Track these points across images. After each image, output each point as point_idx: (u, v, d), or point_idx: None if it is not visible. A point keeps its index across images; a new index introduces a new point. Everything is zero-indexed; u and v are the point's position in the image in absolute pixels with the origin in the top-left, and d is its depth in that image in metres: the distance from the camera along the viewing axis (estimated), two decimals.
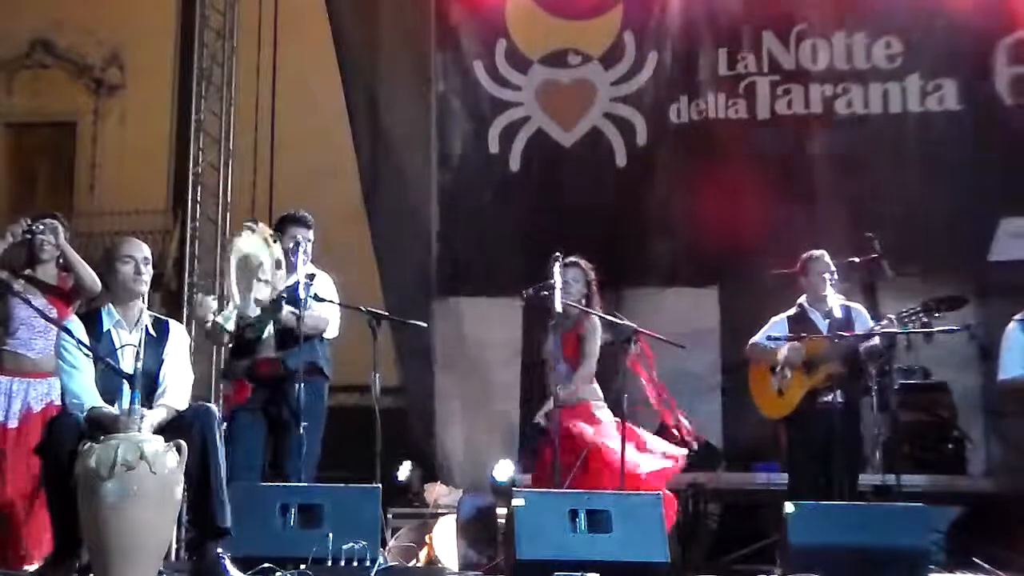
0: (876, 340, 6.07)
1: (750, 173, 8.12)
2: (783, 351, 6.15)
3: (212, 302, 5.72)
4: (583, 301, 5.96)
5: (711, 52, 8.37)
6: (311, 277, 5.61)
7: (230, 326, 5.60)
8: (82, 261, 5.53)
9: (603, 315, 6.05)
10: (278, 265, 5.43)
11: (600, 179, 8.41)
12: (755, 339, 6.36)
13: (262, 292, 5.42)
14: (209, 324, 5.63)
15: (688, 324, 7.72)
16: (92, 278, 5.40)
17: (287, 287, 5.56)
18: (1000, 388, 6.22)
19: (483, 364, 8.16)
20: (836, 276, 6.25)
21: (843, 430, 5.87)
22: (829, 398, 5.98)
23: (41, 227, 5.48)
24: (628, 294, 8.06)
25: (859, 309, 6.32)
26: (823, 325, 6.17)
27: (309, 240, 5.73)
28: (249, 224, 5.61)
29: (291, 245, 5.59)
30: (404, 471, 7.28)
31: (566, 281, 5.82)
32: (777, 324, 6.31)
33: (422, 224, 8.52)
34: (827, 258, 6.28)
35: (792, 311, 6.32)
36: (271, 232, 5.56)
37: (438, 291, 8.41)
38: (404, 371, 8.27)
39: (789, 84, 8.28)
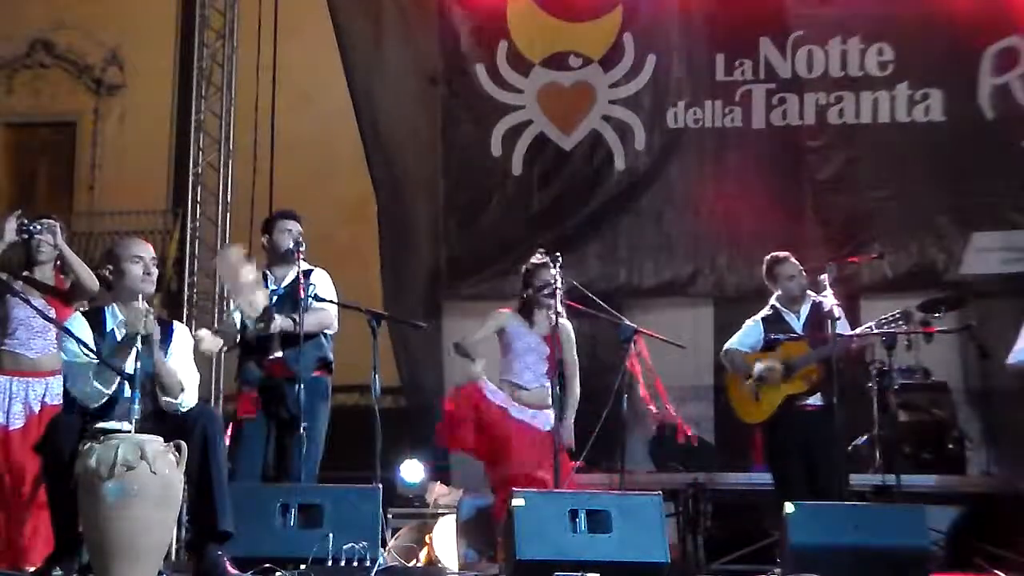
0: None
1: (746, 181, 8.14)
2: (758, 368, 6.01)
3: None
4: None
5: (709, 56, 8.36)
6: (308, 274, 5.61)
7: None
8: (80, 261, 5.51)
9: (604, 315, 6.06)
10: (255, 287, 5.41)
11: (600, 183, 8.41)
12: (730, 344, 6.22)
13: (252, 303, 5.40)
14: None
15: (685, 326, 7.75)
16: (91, 278, 5.38)
17: (286, 285, 5.57)
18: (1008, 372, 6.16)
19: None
20: (805, 275, 6.09)
21: (824, 433, 5.73)
22: (807, 402, 5.95)
23: (39, 227, 5.46)
24: (626, 297, 8.10)
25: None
26: (798, 326, 6.06)
27: (301, 234, 5.71)
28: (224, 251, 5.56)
29: (291, 244, 5.59)
30: (415, 472, 7.22)
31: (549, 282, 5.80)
32: (752, 328, 6.17)
33: (428, 225, 8.53)
34: (793, 259, 6.14)
35: (766, 312, 6.18)
36: (246, 255, 5.53)
37: (445, 292, 8.42)
38: (415, 371, 8.27)
39: (784, 93, 8.28)
